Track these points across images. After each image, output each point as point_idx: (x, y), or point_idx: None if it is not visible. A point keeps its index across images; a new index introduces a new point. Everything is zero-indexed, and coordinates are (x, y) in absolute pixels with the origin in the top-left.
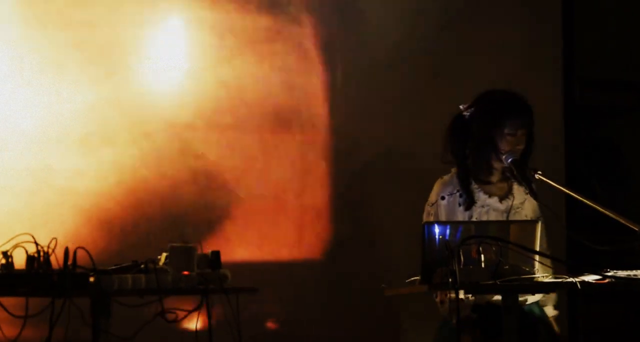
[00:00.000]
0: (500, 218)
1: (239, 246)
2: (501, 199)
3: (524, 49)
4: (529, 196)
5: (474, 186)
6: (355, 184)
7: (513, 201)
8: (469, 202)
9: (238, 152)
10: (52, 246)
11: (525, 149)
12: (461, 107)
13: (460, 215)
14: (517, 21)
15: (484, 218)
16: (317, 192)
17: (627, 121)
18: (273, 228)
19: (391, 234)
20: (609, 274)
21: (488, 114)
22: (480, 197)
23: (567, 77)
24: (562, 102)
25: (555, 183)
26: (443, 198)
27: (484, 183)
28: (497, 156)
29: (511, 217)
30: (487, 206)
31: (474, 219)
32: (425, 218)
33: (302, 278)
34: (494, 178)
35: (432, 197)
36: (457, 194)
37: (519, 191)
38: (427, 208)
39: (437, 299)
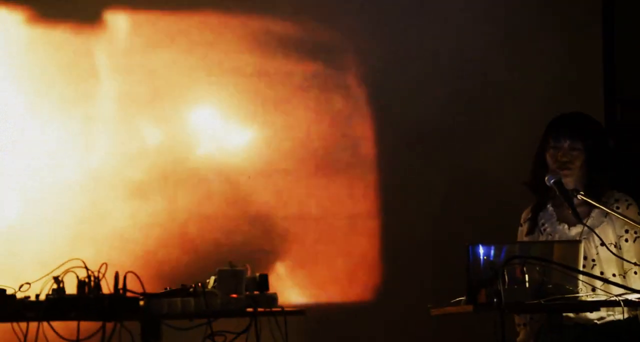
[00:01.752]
0: None
1: (290, 288)
2: (571, 226)
3: (564, 68)
4: (607, 218)
5: (550, 210)
6: (406, 223)
7: (583, 228)
8: (531, 227)
9: (288, 196)
10: (102, 270)
11: (589, 167)
12: None
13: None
14: (557, 39)
15: None
16: (367, 232)
17: None
18: (324, 272)
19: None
20: None
21: (544, 133)
22: (552, 223)
23: (608, 96)
24: (604, 122)
25: (597, 203)
26: (521, 225)
27: (561, 208)
28: (544, 174)
29: (583, 243)
30: (554, 232)
31: None
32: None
33: (356, 316)
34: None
35: (521, 219)
36: (529, 221)
37: (597, 215)
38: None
39: (516, 322)
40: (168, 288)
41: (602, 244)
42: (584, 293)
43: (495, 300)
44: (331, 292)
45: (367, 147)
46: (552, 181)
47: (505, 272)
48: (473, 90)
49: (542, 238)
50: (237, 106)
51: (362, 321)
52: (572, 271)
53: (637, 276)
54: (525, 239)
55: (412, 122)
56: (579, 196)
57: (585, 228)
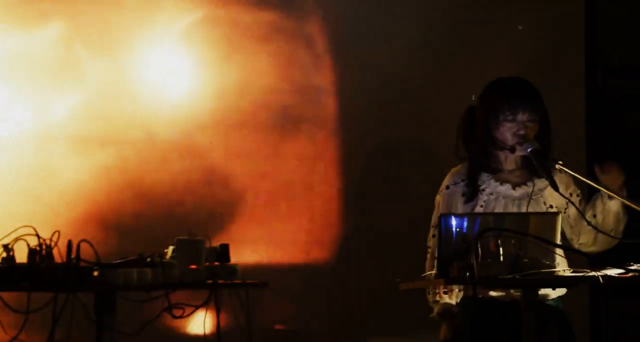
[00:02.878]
0: (512, 206)
1: (246, 246)
2: (515, 186)
3: (544, 34)
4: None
5: (485, 174)
6: (366, 181)
7: (533, 188)
8: (472, 192)
9: (244, 151)
10: (54, 239)
11: (540, 139)
12: (473, 97)
13: (461, 205)
14: (537, 6)
15: (491, 206)
16: (326, 191)
17: None
18: (281, 228)
19: (403, 231)
20: (633, 267)
21: (487, 100)
22: (491, 184)
23: (590, 63)
24: (585, 90)
25: (577, 174)
26: (448, 187)
27: (496, 171)
28: (495, 144)
29: (530, 205)
30: (497, 193)
31: (478, 208)
32: (435, 208)
33: (311, 278)
34: (509, 166)
35: (441, 186)
36: (462, 183)
37: (541, 180)
38: (436, 197)
39: (430, 299)
40: (124, 258)
41: (551, 206)
42: (562, 268)
43: (467, 274)
44: (290, 254)
45: (328, 99)
46: (529, 149)
47: (479, 245)
48: (443, 44)
49: (483, 199)
50: (193, 58)
51: (322, 283)
52: (549, 245)
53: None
54: (460, 203)
55: (374, 73)
56: (557, 166)
57: (533, 188)
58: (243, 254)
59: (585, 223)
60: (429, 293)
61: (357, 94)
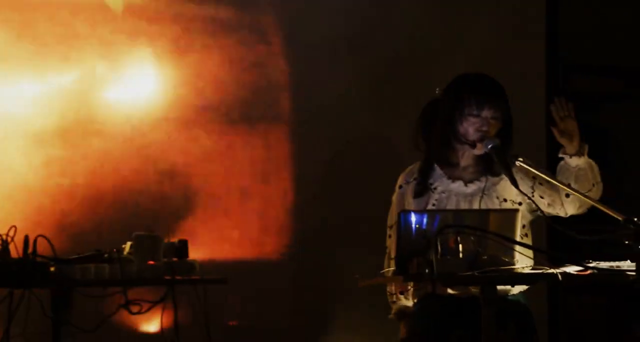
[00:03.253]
0: (464, 203)
1: (205, 243)
2: (468, 183)
3: (504, 31)
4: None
5: (438, 172)
6: (321, 178)
7: (485, 183)
8: (421, 189)
9: (199, 148)
10: (11, 234)
11: (502, 138)
12: (437, 90)
13: (412, 202)
14: (498, 2)
15: (443, 204)
16: (282, 188)
17: (615, 108)
18: (239, 225)
19: (362, 229)
20: (591, 265)
21: (452, 93)
22: (443, 182)
23: (551, 61)
24: (545, 88)
25: (537, 171)
26: (400, 187)
27: (451, 167)
28: (457, 137)
29: (482, 200)
30: (449, 191)
31: (429, 206)
32: (391, 208)
33: (270, 274)
34: (464, 161)
35: (396, 186)
36: (414, 181)
37: (495, 173)
38: (392, 197)
39: (390, 300)
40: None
41: (505, 200)
42: (521, 265)
43: (427, 271)
44: (249, 251)
45: (283, 95)
46: (489, 146)
47: (439, 242)
48: (402, 42)
49: (435, 197)
50: (148, 53)
51: (281, 280)
52: (508, 242)
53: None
54: (411, 202)
55: (330, 69)
56: (518, 162)
57: (486, 184)
58: (202, 251)
59: (564, 195)
60: (388, 294)
61: (312, 90)
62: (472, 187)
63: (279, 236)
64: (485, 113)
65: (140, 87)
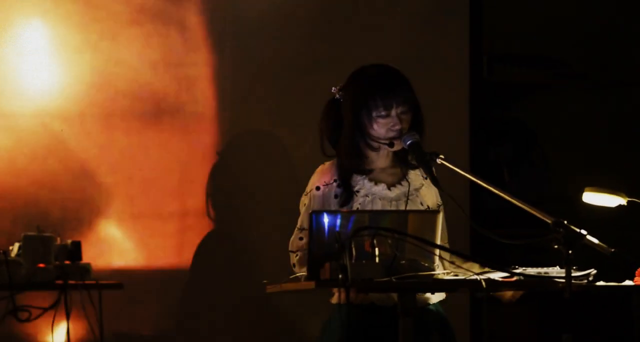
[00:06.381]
0: (389, 207)
1: (103, 246)
2: (390, 186)
3: (425, 20)
4: (427, 181)
5: (357, 175)
6: (240, 180)
7: (409, 188)
8: (347, 196)
9: (110, 143)
10: None
11: (415, 129)
12: (333, 89)
13: (335, 208)
14: None
15: (367, 209)
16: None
17: (542, 100)
18: (141, 228)
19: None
20: (517, 271)
21: (355, 95)
22: (365, 185)
23: (474, 50)
24: (468, 79)
25: (459, 169)
26: (318, 188)
27: (369, 171)
28: (370, 141)
29: (407, 205)
30: (373, 194)
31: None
32: (300, 209)
33: (170, 281)
34: (381, 163)
35: (308, 186)
36: (334, 184)
37: (415, 176)
38: (302, 198)
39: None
40: None
41: (428, 207)
42: (442, 270)
43: (340, 276)
44: (151, 256)
45: (205, 89)
46: (408, 142)
47: (353, 245)
48: (321, 44)
49: (358, 201)
50: (58, 43)
51: (181, 287)
52: (428, 245)
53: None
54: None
55: (254, 59)
56: (439, 160)
57: (409, 189)
58: (99, 255)
59: None
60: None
61: (235, 82)
62: (395, 191)
63: (187, 239)
64: (395, 111)
65: (51, 80)
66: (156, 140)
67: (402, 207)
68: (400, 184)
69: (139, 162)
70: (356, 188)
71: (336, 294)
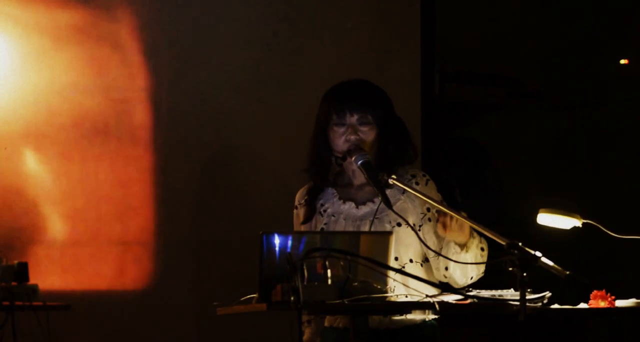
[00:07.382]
0: (352, 227)
1: (51, 268)
2: (360, 204)
3: (376, 37)
4: (404, 197)
5: (330, 192)
6: (182, 201)
7: (378, 205)
8: (309, 213)
9: (48, 165)
10: None
11: (381, 145)
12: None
13: (301, 229)
14: (370, 6)
15: (331, 228)
16: (140, 215)
17: (495, 120)
18: (89, 249)
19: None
20: (471, 293)
21: (321, 106)
22: (334, 204)
23: (426, 69)
24: (420, 97)
25: (410, 189)
26: (296, 208)
27: (344, 187)
28: (328, 155)
29: (373, 225)
30: (339, 213)
31: (318, 230)
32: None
33: (120, 302)
34: (357, 181)
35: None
36: (304, 202)
37: (392, 193)
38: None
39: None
40: None
41: (399, 224)
42: (395, 293)
43: (292, 298)
44: (100, 280)
45: (140, 111)
46: (360, 162)
47: (305, 267)
48: (268, 62)
49: (323, 221)
50: None
51: (134, 311)
52: (381, 267)
53: (439, 260)
54: (302, 228)
55: (190, 78)
56: (390, 181)
57: (379, 206)
58: (47, 277)
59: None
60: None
61: (173, 101)
62: (363, 210)
63: (135, 260)
64: (349, 119)
65: None
66: (94, 162)
67: (366, 227)
68: (372, 201)
69: (80, 183)
70: (324, 206)
71: (328, 317)
